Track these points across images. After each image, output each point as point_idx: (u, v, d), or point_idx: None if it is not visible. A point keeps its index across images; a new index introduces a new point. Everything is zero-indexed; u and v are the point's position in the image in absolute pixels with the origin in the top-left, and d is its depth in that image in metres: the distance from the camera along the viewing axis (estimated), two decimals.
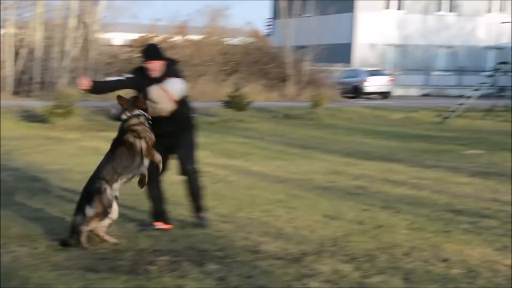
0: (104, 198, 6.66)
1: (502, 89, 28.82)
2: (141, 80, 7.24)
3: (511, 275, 5.98)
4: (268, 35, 51.24)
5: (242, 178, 11.08)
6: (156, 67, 7.25)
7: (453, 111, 25.38)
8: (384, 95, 37.76)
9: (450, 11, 46.41)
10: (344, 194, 9.74)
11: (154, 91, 7.09)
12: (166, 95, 7.11)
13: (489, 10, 47.10)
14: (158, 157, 7.07)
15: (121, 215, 7.89)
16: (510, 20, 42.77)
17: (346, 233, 7.31)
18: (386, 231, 7.46)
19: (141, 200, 8.16)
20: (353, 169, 12.33)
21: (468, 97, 26.29)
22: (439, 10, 46.25)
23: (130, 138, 6.87)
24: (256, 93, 30.96)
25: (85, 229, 6.59)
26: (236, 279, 5.68)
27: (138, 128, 6.91)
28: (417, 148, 15.98)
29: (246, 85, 31.32)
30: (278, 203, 8.95)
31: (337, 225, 7.67)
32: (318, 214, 8.28)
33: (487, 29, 45.64)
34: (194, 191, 7.54)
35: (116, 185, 6.80)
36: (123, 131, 6.95)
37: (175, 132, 7.39)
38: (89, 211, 6.62)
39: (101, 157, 6.99)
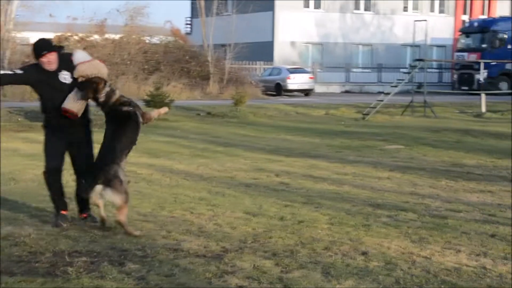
0: (124, 184, 6.96)
1: (419, 85, 29.51)
2: (39, 76, 7.28)
3: (427, 266, 6.13)
4: (188, 33, 51.05)
5: (165, 177, 10.99)
6: (53, 59, 7.28)
7: (373, 108, 25.82)
8: (306, 92, 38.18)
9: (368, 9, 47.28)
10: (267, 191, 9.78)
11: (82, 67, 7.18)
12: (91, 62, 7.27)
13: (405, 9, 48.23)
14: (153, 113, 7.75)
15: (37, 215, 7.73)
16: (424, 19, 43.88)
17: (267, 229, 7.34)
18: (306, 226, 7.52)
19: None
20: (276, 166, 12.40)
21: (387, 94, 26.82)
22: (357, 8, 47.06)
23: (128, 109, 7.21)
24: (178, 92, 30.81)
25: (123, 219, 6.87)
26: (156, 278, 5.62)
27: (125, 99, 7.25)
28: (339, 144, 16.19)
29: (168, 83, 31.12)
30: (201, 201, 8.92)
31: (258, 222, 7.69)
32: (240, 211, 8.28)
33: (404, 27, 46.67)
34: None
35: (123, 165, 7.12)
36: (111, 109, 7.14)
37: (78, 129, 7.48)
38: (117, 199, 6.90)
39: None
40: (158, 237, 6.92)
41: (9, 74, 7.36)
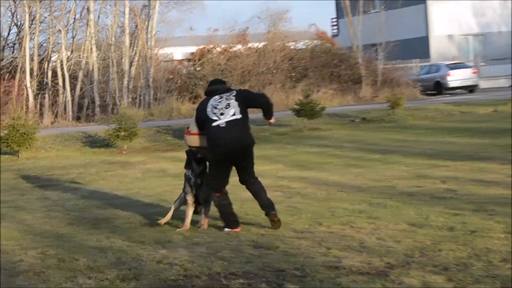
0: None
1: None
2: None
3: None
4: (334, 35, 51.02)
5: (319, 190, 11.02)
6: None
7: None
8: (470, 89, 36.97)
9: None
10: (432, 199, 9.59)
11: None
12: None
13: None
14: None
15: (189, 237, 7.96)
16: None
17: (436, 241, 7.16)
18: (480, 236, 7.27)
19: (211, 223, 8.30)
20: (440, 171, 12.13)
21: None
22: None
23: None
24: (329, 98, 30.82)
25: None
26: None
27: None
28: (509, 144, 15.60)
29: (317, 90, 31.20)
30: (360, 213, 8.86)
31: (425, 233, 7.52)
32: (404, 222, 8.15)
33: None
34: None
35: None
36: None
37: None
38: None
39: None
40: (317, 255, 6.91)
41: None
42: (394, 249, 6.94)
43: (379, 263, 6.47)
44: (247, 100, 8.55)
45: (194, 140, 8.60)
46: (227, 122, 8.30)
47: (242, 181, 8.55)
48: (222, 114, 8.33)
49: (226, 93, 8.54)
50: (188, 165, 8.71)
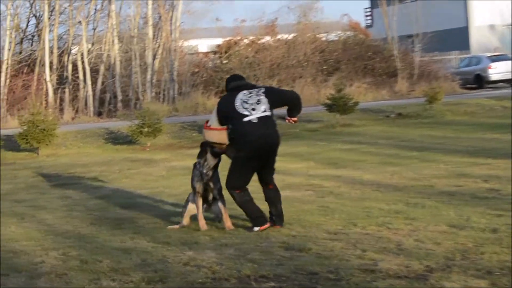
0: None
1: None
2: None
3: None
4: (368, 26, 50.84)
5: (352, 189, 11.00)
6: None
7: None
8: None
9: None
10: (473, 199, 9.54)
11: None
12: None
13: None
14: None
15: (217, 238, 7.98)
16: None
17: (478, 243, 7.11)
18: None
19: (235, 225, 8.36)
20: (481, 170, 12.05)
21: None
22: None
23: None
24: (363, 93, 30.77)
25: None
26: None
27: None
28: None
29: (350, 84, 31.13)
30: (397, 214, 8.83)
31: (466, 235, 7.47)
32: (444, 223, 8.11)
33: None
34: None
35: None
36: None
37: None
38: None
39: None
40: (352, 257, 6.90)
41: None
42: (433, 252, 6.91)
43: (418, 266, 6.44)
44: (275, 96, 8.66)
45: (213, 135, 8.62)
46: (258, 118, 8.36)
47: (262, 181, 8.66)
48: (253, 109, 8.39)
49: (254, 89, 8.65)
50: (201, 155, 8.72)
